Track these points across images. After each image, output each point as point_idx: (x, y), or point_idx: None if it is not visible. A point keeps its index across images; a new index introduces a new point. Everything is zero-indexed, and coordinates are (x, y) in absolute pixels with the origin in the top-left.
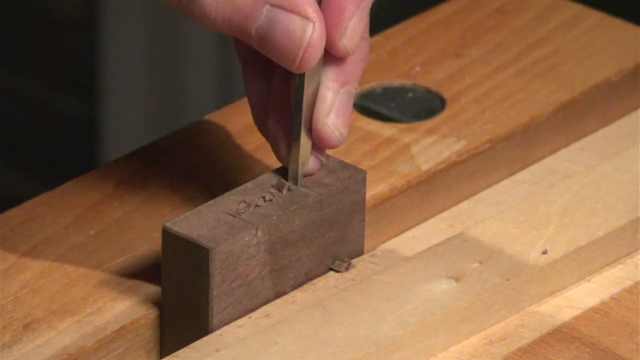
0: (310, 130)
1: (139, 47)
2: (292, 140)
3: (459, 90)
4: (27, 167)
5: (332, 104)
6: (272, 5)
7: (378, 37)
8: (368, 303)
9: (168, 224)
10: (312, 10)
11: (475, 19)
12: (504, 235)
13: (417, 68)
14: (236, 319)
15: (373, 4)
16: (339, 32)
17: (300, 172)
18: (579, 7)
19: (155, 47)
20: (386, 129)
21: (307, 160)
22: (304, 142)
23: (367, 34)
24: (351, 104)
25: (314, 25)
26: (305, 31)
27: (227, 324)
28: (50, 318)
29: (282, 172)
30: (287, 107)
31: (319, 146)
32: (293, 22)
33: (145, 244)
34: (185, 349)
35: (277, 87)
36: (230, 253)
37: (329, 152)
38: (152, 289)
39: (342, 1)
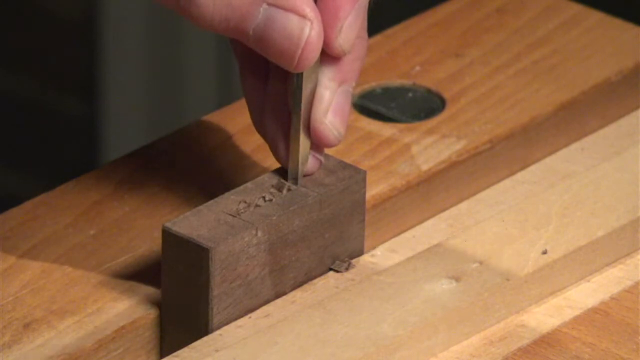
0: (308, 130)
1: (139, 47)
2: (291, 140)
3: (459, 90)
4: (27, 167)
5: (329, 103)
6: (269, 4)
7: (378, 37)
8: (368, 303)
9: (168, 224)
10: (309, 9)
11: (475, 19)
12: (504, 235)
13: (417, 68)
14: (236, 319)
15: (370, 2)
16: (334, 32)
17: (299, 171)
18: (579, 7)
19: (155, 47)
20: (386, 129)
21: (305, 159)
22: (303, 141)
23: (364, 33)
24: (349, 102)
25: (311, 24)
26: (303, 30)
27: (227, 324)
28: (50, 318)
29: (282, 172)
30: (285, 107)
31: (317, 145)
32: (291, 21)
33: (145, 244)
34: (185, 349)
35: (273, 88)
36: (230, 253)
37: (328, 152)
38: (152, 289)
39: (337, 1)
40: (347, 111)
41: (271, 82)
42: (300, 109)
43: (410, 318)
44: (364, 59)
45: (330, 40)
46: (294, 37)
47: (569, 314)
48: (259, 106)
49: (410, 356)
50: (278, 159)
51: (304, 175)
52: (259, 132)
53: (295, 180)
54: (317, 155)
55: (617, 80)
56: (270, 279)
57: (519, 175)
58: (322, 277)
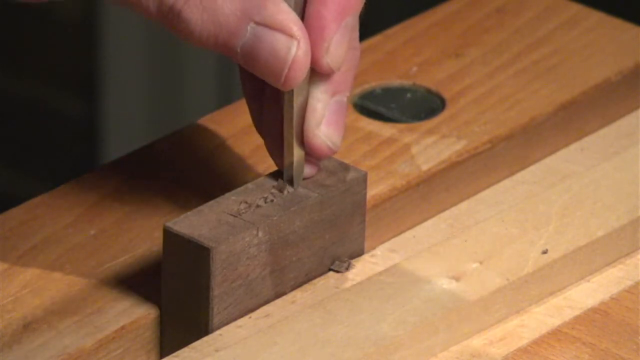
0: (302, 141)
1: (139, 47)
2: (285, 150)
3: (459, 90)
4: (27, 167)
5: (322, 116)
6: (256, 23)
7: (378, 37)
8: (368, 303)
9: (169, 224)
10: (296, 28)
11: (475, 19)
12: (504, 235)
13: (415, 68)
14: (236, 319)
15: (361, 14)
16: (321, 51)
17: (295, 180)
18: (579, 7)
19: (155, 47)
20: (386, 129)
21: (301, 168)
22: (297, 152)
23: (356, 43)
24: (344, 112)
25: (298, 43)
26: (290, 49)
27: (227, 324)
28: (50, 318)
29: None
30: (280, 116)
31: (312, 155)
32: (278, 40)
33: (145, 244)
34: (185, 349)
35: (269, 97)
36: (231, 253)
37: None
38: (152, 289)
39: (323, 19)
40: (342, 121)
41: (266, 92)
42: (292, 121)
43: (410, 318)
44: (357, 68)
45: (317, 59)
46: (281, 56)
47: (569, 314)
48: (259, 110)
49: (410, 356)
50: (276, 164)
51: (303, 179)
52: (260, 134)
53: (291, 184)
54: (315, 162)
55: (617, 80)
56: (271, 279)
57: (519, 175)
58: (322, 277)
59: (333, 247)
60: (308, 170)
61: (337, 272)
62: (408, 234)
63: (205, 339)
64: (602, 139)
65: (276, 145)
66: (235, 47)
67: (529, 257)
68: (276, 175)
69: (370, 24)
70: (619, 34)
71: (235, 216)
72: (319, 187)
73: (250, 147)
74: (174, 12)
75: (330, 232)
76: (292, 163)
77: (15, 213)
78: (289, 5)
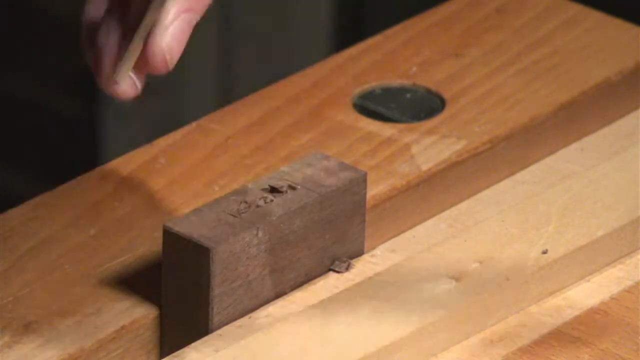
0: (141, 49)
1: None
2: (125, 54)
3: (459, 90)
4: (27, 167)
5: (169, 24)
6: None
7: (378, 37)
8: (368, 303)
9: (169, 224)
10: None
11: (475, 19)
12: (504, 235)
13: (414, 68)
14: (236, 319)
15: None
16: None
17: (119, 80)
18: (579, 7)
19: None
20: (386, 129)
21: (126, 73)
22: (131, 56)
23: None
24: (189, 32)
25: None
26: None
27: (227, 324)
28: (50, 318)
29: (283, 174)
30: (119, 26)
31: (145, 65)
32: None
33: (145, 244)
34: (185, 349)
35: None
36: (231, 253)
37: (329, 153)
38: (152, 289)
39: None
40: (184, 40)
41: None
42: (143, 26)
43: (410, 318)
44: None
45: None
46: None
47: (569, 314)
48: (92, 28)
49: (410, 356)
50: (96, 70)
51: (117, 97)
52: (85, 51)
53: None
54: (138, 78)
55: (617, 80)
56: (271, 279)
57: (519, 175)
58: (322, 277)
59: (333, 247)
60: (125, 86)
61: (337, 272)
62: (408, 234)
63: (205, 339)
64: (602, 139)
65: (105, 53)
66: None
67: (529, 257)
68: (276, 175)
69: (370, 24)
70: (619, 34)
71: (235, 216)
72: (319, 187)
73: (250, 147)
74: None
75: (330, 232)
76: (127, 65)
77: (15, 213)
78: None
